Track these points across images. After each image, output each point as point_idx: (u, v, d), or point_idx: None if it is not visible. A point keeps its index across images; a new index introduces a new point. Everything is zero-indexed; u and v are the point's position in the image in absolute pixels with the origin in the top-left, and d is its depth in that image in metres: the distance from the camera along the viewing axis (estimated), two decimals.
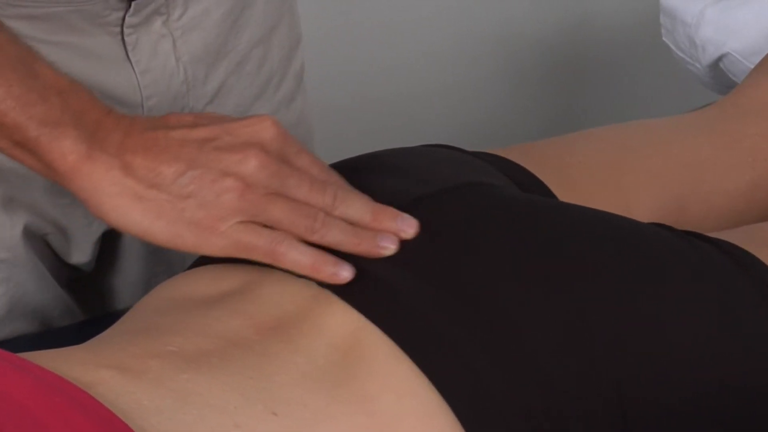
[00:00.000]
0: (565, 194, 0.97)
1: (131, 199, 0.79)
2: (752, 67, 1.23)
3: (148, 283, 1.09)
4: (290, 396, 0.71)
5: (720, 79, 1.44)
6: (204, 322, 0.77)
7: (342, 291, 0.78)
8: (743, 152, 1.06)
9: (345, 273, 0.78)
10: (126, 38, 0.98)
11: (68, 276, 1.09)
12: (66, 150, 0.80)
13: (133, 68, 0.99)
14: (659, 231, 0.86)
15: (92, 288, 1.12)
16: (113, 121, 0.81)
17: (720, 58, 1.40)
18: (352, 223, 0.80)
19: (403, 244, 0.81)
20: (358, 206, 0.81)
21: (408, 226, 0.81)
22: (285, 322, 0.77)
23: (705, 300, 0.81)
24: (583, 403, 0.75)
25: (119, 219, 0.80)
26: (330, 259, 0.78)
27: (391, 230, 0.81)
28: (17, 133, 0.80)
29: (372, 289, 0.78)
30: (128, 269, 1.11)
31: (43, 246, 1.04)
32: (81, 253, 1.06)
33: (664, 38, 1.48)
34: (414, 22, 2.01)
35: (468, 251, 0.81)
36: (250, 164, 0.79)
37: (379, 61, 2.01)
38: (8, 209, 1.00)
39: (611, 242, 0.83)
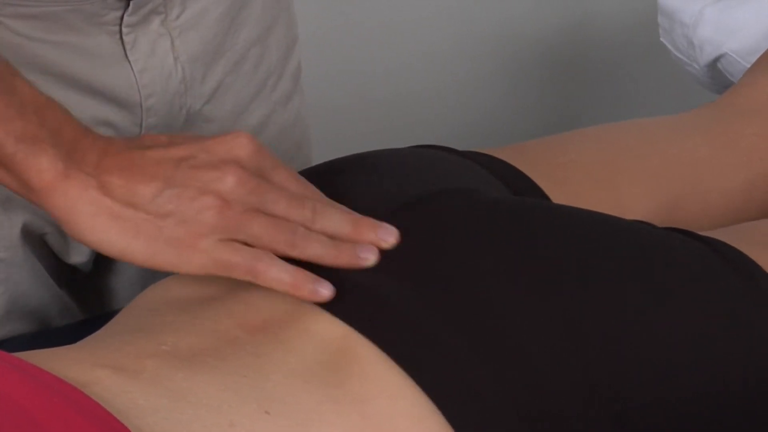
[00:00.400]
0: (557, 194, 0.97)
1: (108, 219, 0.78)
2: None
3: (146, 284, 1.08)
4: (284, 395, 0.71)
5: (718, 79, 1.44)
6: (197, 322, 0.77)
7: (324, 303, 0.78)
8: (740, 152, 1.06)
9: (325, 291, 0.78)
10: (124, 37, 0.98)
11: (66, 276, 1.09)
12: (43, 167, 0.79)
13: (131, 67, 0.99)
14: (649, 230, 0.86)
15: (90, 288, 1.12)
16: (90, 141, 0.81)
17: (718, 59, 1.40)
18: (331, 236, 0.80)
19: (386, 250, 0.81)
20: (336, 219, 0.81)
21: (388, 236, 0.81)
22: (274, 324, 0.77)
23: (698, 299, 0.81)
24: (580, 403, 0.75)
25: (96, 239, 0.79)
26: (310, 276, 0.78)
27: (371, 241, 0.80)
28: None
29: (355, 298, 0.78)
30: (126, 269, 1.11)
31: (41, 246, 1.04)
32: (79, 253, 1.06)
33: (662, 39, 1.48)
34: (414, 22, 2.01)
35: (455, 256, 0.81)
36: (228, 181, 0.79)
37: (378, 61, 2.01)
38: (6, 208, 1.00)
39: (604, 243, 0.83)
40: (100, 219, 0.79)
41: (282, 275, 0.78)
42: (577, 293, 0.79)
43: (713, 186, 1.05)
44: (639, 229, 0.86)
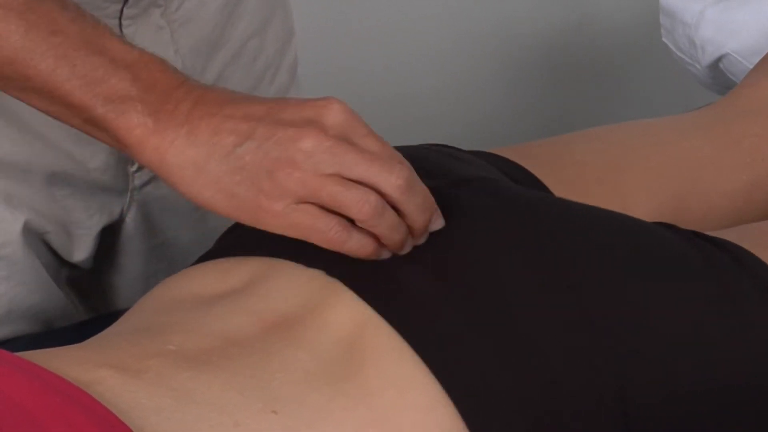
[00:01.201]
0: (563, 193, 0.97)
1: (193, 171, 0.78)
2: (752, 67, 1.23)
3: (149, 281, 1.09)
4: (291, 394, 0.71)
5: (719, 79, 1.44)
6: (205, 321, 0.77)
7: (350, 281, 0.78)
8: (742, 152, 1.06)
9: (386, 255, 0.79)
10: (124, 30, 0.98)
11: (67, 275, 1.09)
12: (132, 124, 0.79)
13: None
14: (662, 230, 0.87)
15: (92, 286, 1.12)
16: (184, 91, 0.80)
17: (720, 59, 1.40)
18: (403, 213, 0.79)
19: None
20: (421, 203, 0.79)
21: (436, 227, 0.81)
22: (290, 317, 0.77)
23: (708, 300, 0.81)
24: (586, 401, 0.75)
25: (186, 190, 0.79)
26: (377, 244, 0.78)
27: (426, 232, 0.80)
28: (85, 111, 0.80)
29: (380, 281, 0.78)
30: (128, 267, 1.11)
31: (42, 246, 1.04)
32: (82, 250, 1.06)
33: (663, 39, 1.48)
34: (414, 22, 2.01)
35: (476, 247, 0.81)
36: (304, 143, 0.77)
37: (378, 61, 2.01)
38: (10, 204, 1.00)
39: (615, 242, 0.84)
40: (187, 171, 0.78)
41: (360, 247, 0.78)
42: (591, 292, 0.79)
43: (715, 186, 1.05)
44: (654, 229, 0.86)
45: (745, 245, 0.86)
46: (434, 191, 0.82)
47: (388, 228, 0.78)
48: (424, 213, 0.79)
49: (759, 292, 0.82)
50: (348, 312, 0.77)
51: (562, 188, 0.98)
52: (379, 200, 0.77)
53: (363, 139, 0.78)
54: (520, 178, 0.97)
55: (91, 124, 0.81)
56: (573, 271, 0.80)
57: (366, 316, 0.76)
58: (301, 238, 0.78)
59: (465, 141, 1.10)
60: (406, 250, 0.80)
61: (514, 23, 2.10)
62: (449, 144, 1.01)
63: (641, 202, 1.01)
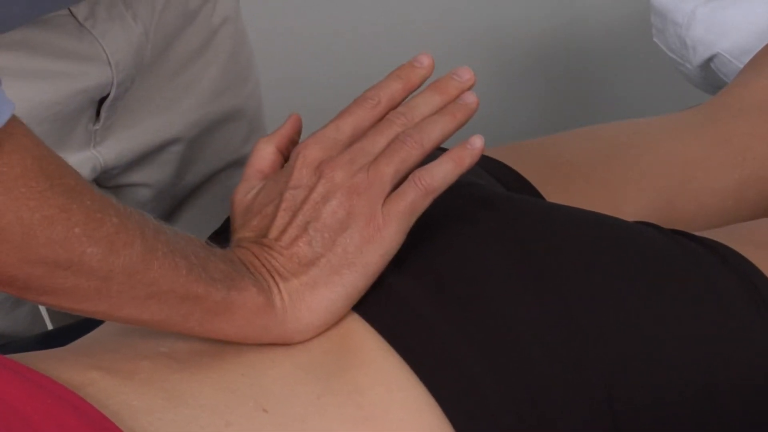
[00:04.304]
0: (552, 194, 0.98)
1: (302, 305, 0.76)
2: (742, 67, 1.24)
3: None
4: (282, 390, 0.72)
5: (711, 79, 1.44)
6: None
7: None
8: (732, 151, 1.06)
9: (478, 142, 0.82)
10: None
11: None
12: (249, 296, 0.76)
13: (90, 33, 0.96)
14: (646, 230, 0.86)
15: None
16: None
17: (711, 59, 1.40)
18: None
19: None
20: (422, 103, 0.83)
21: (464, 74, 0.87)
22: None
23: (693, 300, 0.81)
24: (574, 403, 0.76)
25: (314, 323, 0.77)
26: (457, 148, 0.81)
27: (458, 89, 0.84)
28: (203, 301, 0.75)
29: None
30: None
31: None
32: None
33: (654, 38, 1.48)
34: (405, 24, 2.01)
35: (458, 250, 0.81)
36: (322, 187, 0.78)
37: (376, 61, 2.01)
38: None
39: (599, 243, 0.84)
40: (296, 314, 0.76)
41: (444, 172, 0.80)
42: (576, 293, 0.79)
43: (706, 185, 1.05)
44: (638, 229, 0.86)
45: (733, 245, 0.85)
46: None
47: (437, 131, 0.82)
48: (434, 101, 0.84)
49: (746, 293, 0.82)
50: None
51: (550, 188, 0.98)
52: (407, 137, 0.80)
53: (332, 128, 0.82)
54: (508, 179, 0.97)
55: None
56: (559, 274, 0.80)
57: (350, 318, 0.77)
58: (416, 216, 0.79)
59: (455, 141, 1.11)
60: (471, 102, 0.84)
61: (505, 23, 2.10)
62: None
63: (630, 201, 1.01)
